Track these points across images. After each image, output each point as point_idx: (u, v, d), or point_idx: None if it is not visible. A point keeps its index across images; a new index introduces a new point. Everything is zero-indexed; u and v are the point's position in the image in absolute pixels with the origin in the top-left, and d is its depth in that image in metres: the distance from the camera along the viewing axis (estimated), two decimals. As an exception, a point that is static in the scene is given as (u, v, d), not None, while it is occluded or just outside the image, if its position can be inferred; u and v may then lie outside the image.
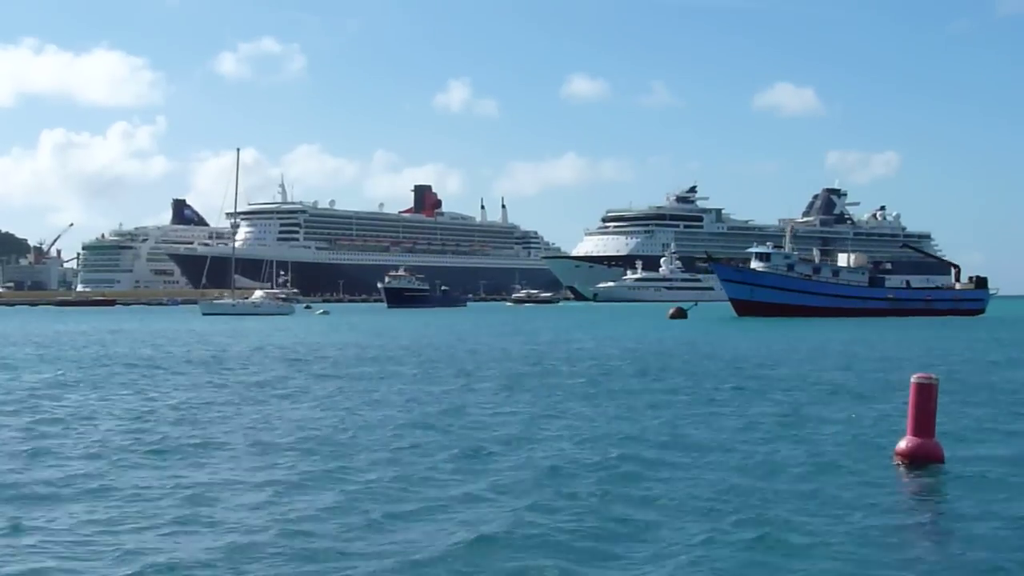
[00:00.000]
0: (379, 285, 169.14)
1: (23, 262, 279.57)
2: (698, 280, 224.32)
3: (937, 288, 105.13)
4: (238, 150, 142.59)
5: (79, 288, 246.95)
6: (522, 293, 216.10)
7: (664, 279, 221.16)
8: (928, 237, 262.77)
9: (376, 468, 16.45)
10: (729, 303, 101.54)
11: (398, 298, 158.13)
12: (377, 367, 37.81)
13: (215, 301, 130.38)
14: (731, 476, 15.46)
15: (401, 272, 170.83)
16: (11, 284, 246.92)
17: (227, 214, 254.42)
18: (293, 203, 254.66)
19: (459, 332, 71.09)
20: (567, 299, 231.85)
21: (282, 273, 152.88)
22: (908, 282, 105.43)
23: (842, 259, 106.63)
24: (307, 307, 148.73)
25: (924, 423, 16.59)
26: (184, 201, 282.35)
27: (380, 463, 16.88)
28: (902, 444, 16.89)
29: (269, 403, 26.03)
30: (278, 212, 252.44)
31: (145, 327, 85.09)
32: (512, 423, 21.62)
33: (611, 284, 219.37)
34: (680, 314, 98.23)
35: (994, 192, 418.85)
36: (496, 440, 19.09)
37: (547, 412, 23.46)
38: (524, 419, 22.16)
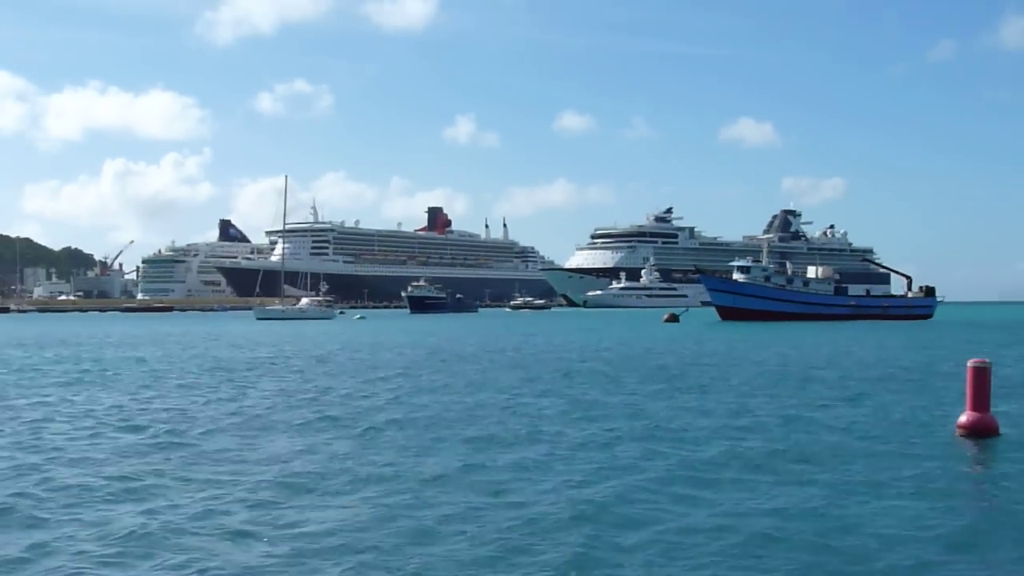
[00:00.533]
0: (403, 294, 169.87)
1: (90, 274, 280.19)
2: (674, 289, 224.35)
3: (892, 296, 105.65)
4: (286, 177, 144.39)
5: (139, 296, 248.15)
6: (519, 300, 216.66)
7: (644, 288, 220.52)
8: (871, 251, 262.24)
9: (631, 447, 16.55)
10: (715, 309, 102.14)
11: (420, 305, 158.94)
12: (480, 365, 37.17)
13: (267, 307, 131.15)
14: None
15: (421, 283, 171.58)
16: (80, 293, 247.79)
17: (266, 232, 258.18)
18: (323, 223, 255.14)
19: (502, 334, 70.21)
20: (560, 305, 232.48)
21: (325, 284, 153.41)
22: (868, 291, 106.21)
23: (811, 271, 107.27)
24: (341, 312, 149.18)
25: (981, 400, 17.58)
26: (229, 221, 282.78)
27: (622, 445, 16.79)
28: (963, 418, 17.78)
29: (444, 393, 26.08)
30: (311, 231, 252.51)
31: (223, 330, 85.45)
32: (682, 414, 21.01)
33: (599, 292, 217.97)
34: (673, 319, 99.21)
35: (927, 212, 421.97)
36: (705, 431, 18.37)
37: (706, 405, 22.65)
38: (688, 412, 21.34)
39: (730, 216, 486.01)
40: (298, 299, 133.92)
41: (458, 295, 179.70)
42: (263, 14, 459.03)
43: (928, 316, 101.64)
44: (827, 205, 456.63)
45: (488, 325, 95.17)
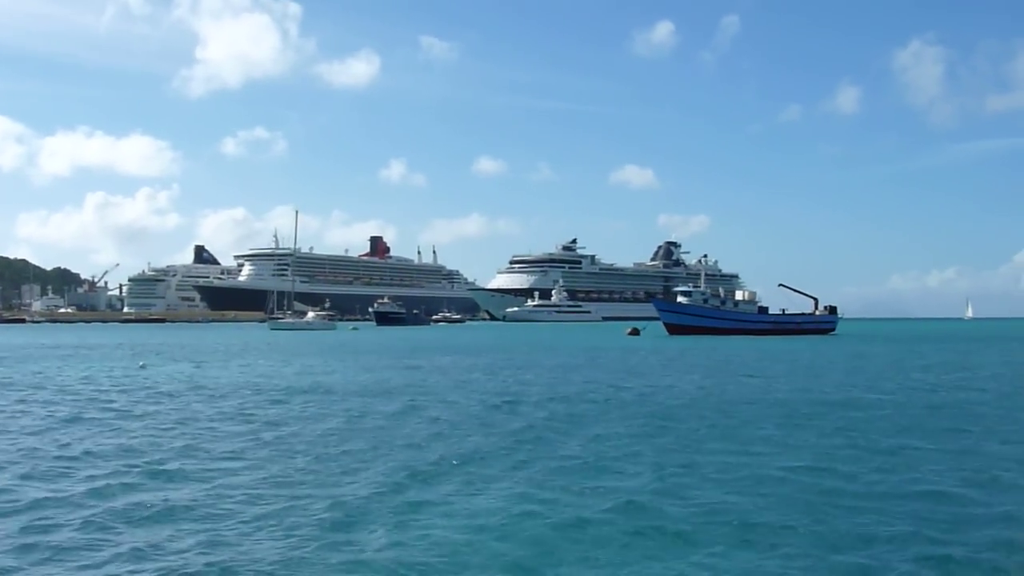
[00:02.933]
0: (370, 309, 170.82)
1: (80, 291, 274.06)
2: (579, 307, 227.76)
3: (803, 313, 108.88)
4: (296, 211, 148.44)
5: (125, 310, 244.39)
6: (439, 316, 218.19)
7: (555, 306, 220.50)
8: (737, 276, 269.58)
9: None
10: (663, 325, 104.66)
11: (385, 319, 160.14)
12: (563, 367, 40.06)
13: (279, 320, 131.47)
14: None
15: (385, 300, 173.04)
16: (73, 307, 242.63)
17: (234, 256, 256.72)
18: (283, 249, 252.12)
19: (515, 346, 71.76)
20: (483, 319, 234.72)
21: (327, 302, 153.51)
22: (784, 310, 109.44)
23: (739, 295, 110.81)
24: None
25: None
26: (203, 247, 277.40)
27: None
28: None
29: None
30: (272, 256, 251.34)
31: (278, 339, 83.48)
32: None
33: (516, 309, 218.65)
34: (635, 332, 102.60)
35: (775, 244, 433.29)
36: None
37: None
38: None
39: (616, 246, 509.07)
40: (304, 313, 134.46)
41: (415, 311, 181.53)
42: (231, 71, 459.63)
43: (832, 330, 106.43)
44: (694, 237, 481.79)
45: (476, 335, 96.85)
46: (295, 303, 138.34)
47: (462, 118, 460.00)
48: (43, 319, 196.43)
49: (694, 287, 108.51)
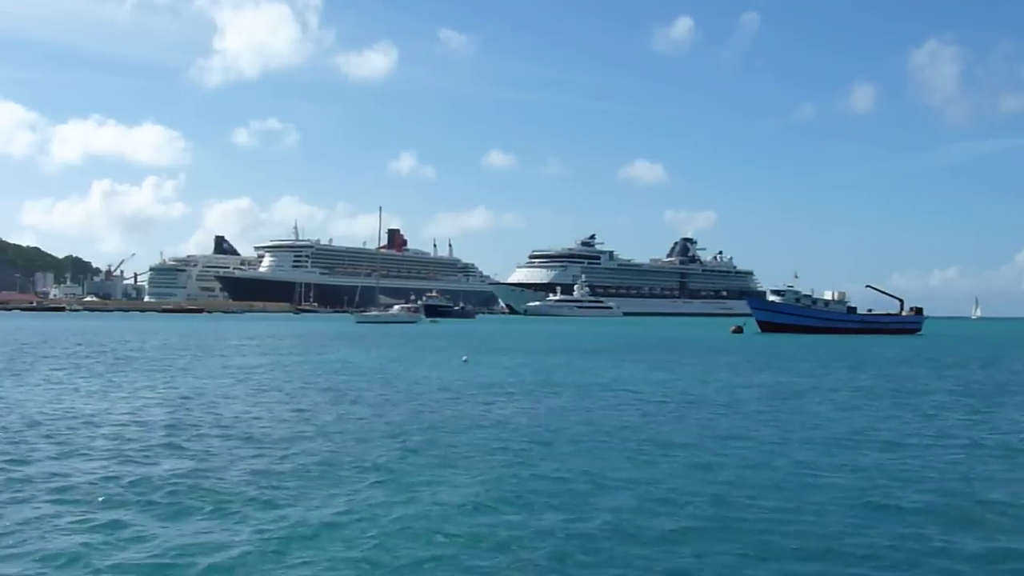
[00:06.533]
0: (419, 302, 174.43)
1: (96, 279, 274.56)
2: (601, 302, 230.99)
3: (890, 314, 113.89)
4: (380, 208, 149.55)
5: (146, 299, 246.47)
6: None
7: (576, 300, 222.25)
8: (751, 273, 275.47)
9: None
10: (756, 323, 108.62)
11: (433, 312, 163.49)
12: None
13: (364, 313, 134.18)
14: None
15: (434, 294, 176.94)
16: (92, 295, 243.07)
17: (255, 247, 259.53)
18: (303, 240, 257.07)
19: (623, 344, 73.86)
20: (503, 312, 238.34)
21: (411, 295, 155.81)
22: (870, 310, 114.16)
23: (827, 294, 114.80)
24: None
25: None
26: (223, 237, 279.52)
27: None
28: None
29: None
30: (292, 247, 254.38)
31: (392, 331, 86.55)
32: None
33: (537, 303, 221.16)
34: (739, 330, 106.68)
35: (779, 240, 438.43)
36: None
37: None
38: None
39: (623, 240, 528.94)
40: (390, 307, 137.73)
41: (461, 304, 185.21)
42: (249, 62, 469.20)
43: (918, 330, 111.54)
44: (699, 233, 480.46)
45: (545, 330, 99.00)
46: (380, 296, 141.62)
47: (475, 111, 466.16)
48: (81, 308, 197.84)
49: (787, 287, 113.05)
